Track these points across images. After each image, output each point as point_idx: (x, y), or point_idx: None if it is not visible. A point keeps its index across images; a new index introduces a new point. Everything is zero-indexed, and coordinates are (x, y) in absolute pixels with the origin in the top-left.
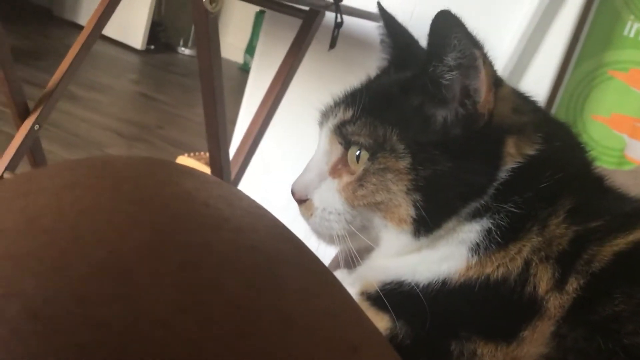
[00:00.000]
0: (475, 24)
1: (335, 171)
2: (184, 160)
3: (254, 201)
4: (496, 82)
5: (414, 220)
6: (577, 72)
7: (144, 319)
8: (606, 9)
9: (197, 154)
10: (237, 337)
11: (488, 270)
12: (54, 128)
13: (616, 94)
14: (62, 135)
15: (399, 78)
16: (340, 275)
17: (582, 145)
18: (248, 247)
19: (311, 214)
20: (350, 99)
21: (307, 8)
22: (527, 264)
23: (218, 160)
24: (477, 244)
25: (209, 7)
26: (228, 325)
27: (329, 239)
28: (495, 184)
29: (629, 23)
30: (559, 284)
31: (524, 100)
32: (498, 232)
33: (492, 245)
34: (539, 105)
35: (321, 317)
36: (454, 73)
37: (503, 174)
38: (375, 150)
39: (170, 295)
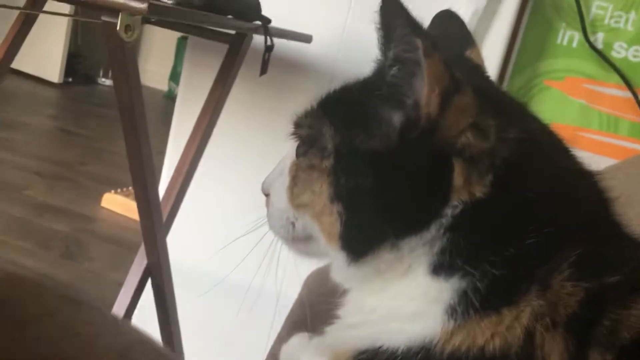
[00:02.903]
0: None
1: (291, 168)
2: (111, 197)
3: None
4: (453, 85)
5: (341, 238)
6: (513, 84)
7: None
8: (538, 19)
9: (125, 189)
10: None
11: (480, 340)
12: None
13: (554, 103)
14: None
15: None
16: (300, 341)
17: (589, 175)
18: None
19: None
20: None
21: (232, 32)
22: (529, 334)
23: (146, 200)
24: (453, 307)
25: (124, 36)
26: None
27: (278, 235)
28: (440, 221)
29: (561, 31)
30: None
31: (503, 120)
32: (477, 296)
33: (470, 310)
34: (536, 128)
35: None
36: (395, 68)
37: (452, 211)
38: (309, 145)
39: None
